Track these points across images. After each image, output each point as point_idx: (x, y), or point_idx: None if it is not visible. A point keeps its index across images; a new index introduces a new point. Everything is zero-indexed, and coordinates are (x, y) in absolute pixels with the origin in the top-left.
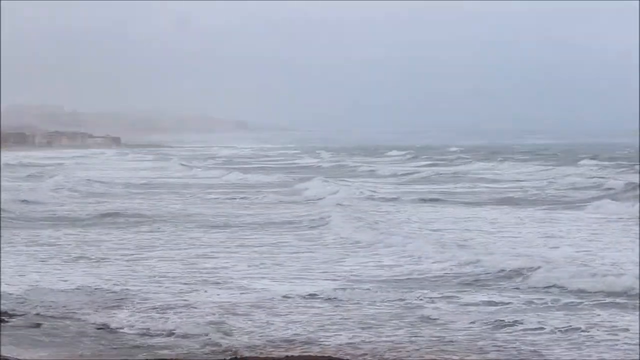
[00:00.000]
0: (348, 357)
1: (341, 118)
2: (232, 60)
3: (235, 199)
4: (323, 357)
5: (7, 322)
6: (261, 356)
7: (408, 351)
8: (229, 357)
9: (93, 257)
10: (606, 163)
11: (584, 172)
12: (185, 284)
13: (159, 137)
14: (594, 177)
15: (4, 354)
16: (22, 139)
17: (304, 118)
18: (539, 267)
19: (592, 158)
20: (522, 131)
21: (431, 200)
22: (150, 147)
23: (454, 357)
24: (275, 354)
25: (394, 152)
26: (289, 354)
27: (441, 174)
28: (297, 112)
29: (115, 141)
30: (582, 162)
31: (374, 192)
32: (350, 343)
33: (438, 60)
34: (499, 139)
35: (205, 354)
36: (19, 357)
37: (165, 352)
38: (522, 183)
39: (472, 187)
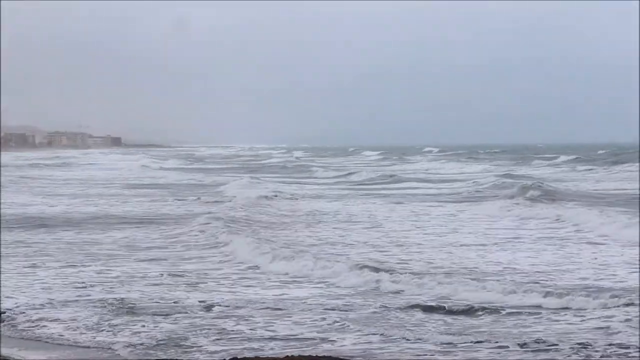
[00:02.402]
0: (350, 357)
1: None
2: None
3: (150, 198)
4: (323, 357)
5: (6, 321)
6: (261, 356)
7: None
8: (229, 358)
9: None
10: (558, 162)
11: (511, 173)
12: None
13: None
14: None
15: (4, 354)
16: (22, 139)
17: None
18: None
19: (549, 159)
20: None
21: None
22: (150, 147)
23: None
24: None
25: (367, 153)
26: (290, 354)
27: (381, 172)
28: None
29: (116, 141)
30: (534, 162)
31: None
32: None
33: (441, 61)
34: (492, 139)
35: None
36: (18, 357)
37: None
38: (442, 184)
39: (388, 187)
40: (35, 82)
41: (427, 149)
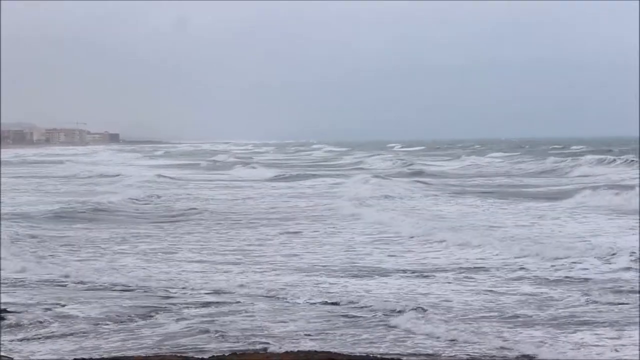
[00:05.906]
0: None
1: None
2: None
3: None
4: (322, 352)
5: (7, 319)
6: (260, 352)
7: None
8: (227, 354)
9: None
10: (486, 157)
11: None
12: None
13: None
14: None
15: (4, 353)
16: (20, 136)
17: None
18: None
19: (481, 154)
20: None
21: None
22: (147, 143)
23: None
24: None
25: (326, 147)
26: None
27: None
28: None
29: (114, 138)
30: (461, 157)
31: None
32: None
33: (438, 62)
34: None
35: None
36: (18, 357)
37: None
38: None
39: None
40: (34, 79)
41: (390, 144)
